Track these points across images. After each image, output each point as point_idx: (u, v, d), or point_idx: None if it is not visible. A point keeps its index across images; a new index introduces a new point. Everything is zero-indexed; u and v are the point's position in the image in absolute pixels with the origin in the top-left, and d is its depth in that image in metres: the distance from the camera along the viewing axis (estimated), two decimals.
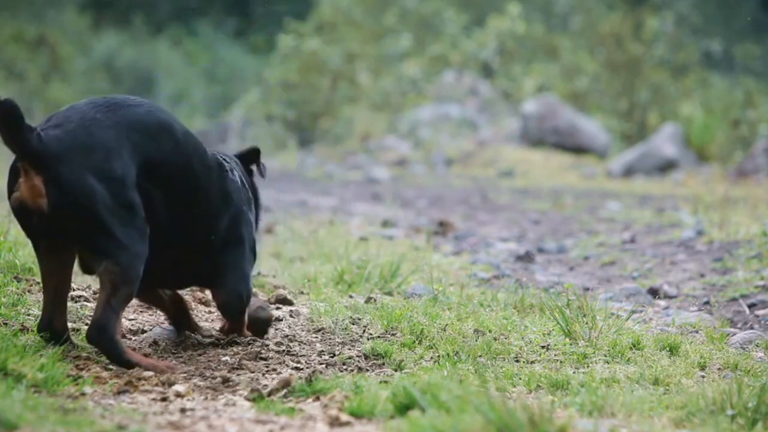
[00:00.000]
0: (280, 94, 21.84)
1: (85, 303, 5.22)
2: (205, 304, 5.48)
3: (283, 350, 4.73)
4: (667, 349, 4.97)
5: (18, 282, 5.33)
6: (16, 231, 6.20)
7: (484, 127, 20.50)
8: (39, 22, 26.22)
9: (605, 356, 4.80)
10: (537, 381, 4.35)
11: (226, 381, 4.22)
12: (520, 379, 4.40)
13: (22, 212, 4.13)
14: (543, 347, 4.92)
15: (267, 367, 4.48)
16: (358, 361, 4.61)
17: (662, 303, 6.56)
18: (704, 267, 7.50)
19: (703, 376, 4.61)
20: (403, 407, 3.80)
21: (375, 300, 5.67)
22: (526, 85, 21.93)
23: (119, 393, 4.02)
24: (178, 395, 4.03)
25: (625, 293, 6.58)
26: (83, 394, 3.96)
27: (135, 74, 26.64)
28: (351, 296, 5.85)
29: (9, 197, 4.15)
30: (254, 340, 4.82)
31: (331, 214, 10.83)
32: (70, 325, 4.58)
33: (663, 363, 4.69)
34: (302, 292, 6.01)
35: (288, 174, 16.32)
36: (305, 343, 4.87)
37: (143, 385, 4.11)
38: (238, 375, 4.30)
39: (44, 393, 3.89)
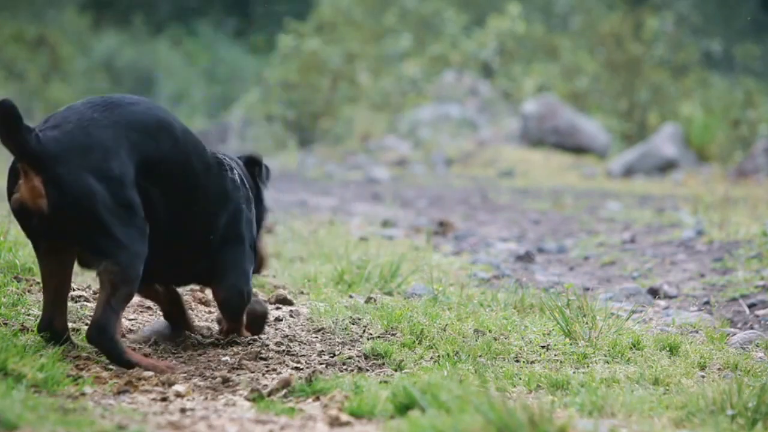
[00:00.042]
0: (280, 94, 21.84)
1: (85, 303, 5.22)
2: (205, 304, 5.48)
3: (283, 350, 4.73)
4: (667, 349, 4.97)
5: (18, 282, 5.33)
6: (16, 231, 6.20)
7: (484, 127, 20.49)
8: (39, 22, 26.21)
9: (605, 356, 4.80)
10: (537, 381, 4.35)
11: (226, 381, 4.22)
12: (520, 379, 4.40)
13: (22, 213, 4.14)
14: (543, 347, 4.92)
15: (267, 367, 4.48)
16: (358, 361, 4.61)
17: (662, 303, 6.56)
18: (704, 267, 7.50)
19: (703, 376, 4.61)
20: (403, 407, 3.80)
21: (375, 300, 5.67)
22: (526, 85, 21.93)
23: (119, 393, 4.02)
24: (178, 395, 4.03)
25: (625, 293, 6.58)
26: (83, 394, 3.96)
27: (135, 74, 26.64)
28: (351, 296, 5.85)
29: (9, 198, 4.16)
30: (254, 340, 4.82)
31: (331, 214, 10.82)
32: (70, 325, 4.58)
33: (663, 363, 4.69)
34: (302, 292, 6.01)
35: (288, 174, 16.32)
36: (305, 343, 4.87)
37: (143, 385, 4.11)
38: (238, 375, 4.30)
39: (44, 393, 3.89)
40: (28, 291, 5.23)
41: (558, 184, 15.38)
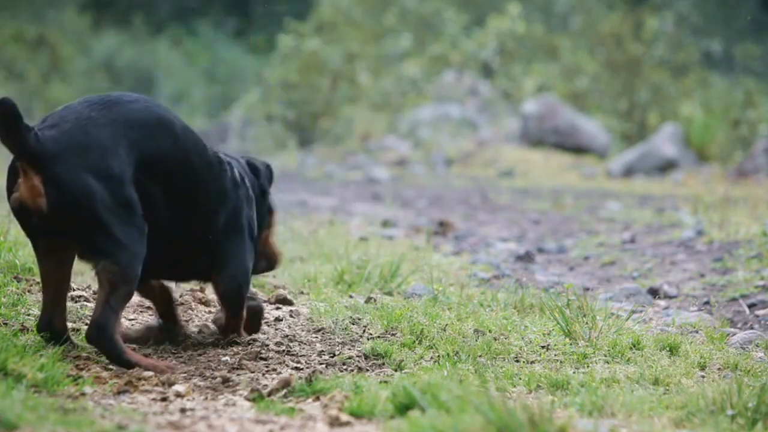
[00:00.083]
0: (280, 94, 21.83)
1: (85, 303, 5.22)
2: (205, 304, 5.48)
3: (283, 350, 4.73)
4: (667, 349, 4.97)
5: (18, 282, 5.34)
6: (16, 231, 6.20)
7: (484, 127, 20.49)
8: (39, 22, 26.21)
9: (605, 356, 4.80)
10: (537, 381, 4.35)
11: (226, 381, 4.22)
12: (520, 379, 4.40)
13: (21, 212, 4.14)
14: (543, 347, 4.92)
15: (267, 367, 4.48)
16: (358, 361, 4.61)
17: (662, 303, 6.56)
18: (704, 267, 7.50)
19: (703, 376, 4.61)
20: (403, 407, 3.80)
21: (375, 300, 5.67)
22: (526, 85, 21.93)
23: (119, 393, 4.02)
24: (178, 395, 4.03)
25: (625, 293, 6.58)
26: (83, 394, 3.96)
27: (135, 74, 26.63)
28: (351, 296, 5.85)
29: (8, 197, 4.16)
30: (254, 340, 4.82)
31: (331, 214, 10.82)
32: (69, 325, 4.58)
33: (663, 363, 4.69)
34: (302, 292, 6.01)
35: (288, 174, 16.32)
36: (305, 343, 4.87)
37: (143, 385, 4.11)
38: (238, 375, 4.30)
39: (44, 393, 3.89)
40: (28, 291, 5.23)
41: (558, 184, 15.38)
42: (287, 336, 4.96)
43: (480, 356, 4.70)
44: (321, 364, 4.57)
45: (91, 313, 4.91)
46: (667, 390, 4.30)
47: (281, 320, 5.25)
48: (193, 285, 5.52)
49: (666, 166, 16.93)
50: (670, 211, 11.00)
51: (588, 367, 4.64)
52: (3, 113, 4.01)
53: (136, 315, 5.12)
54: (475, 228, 10.24)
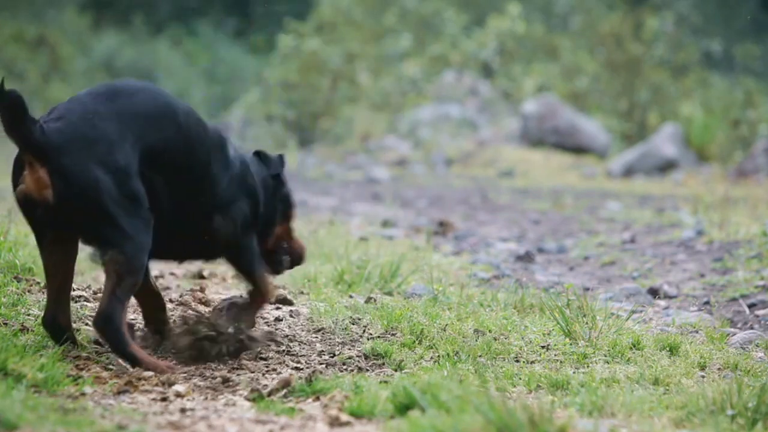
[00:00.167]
0: (280, 94, 21.83)
1: (85, 303, 5.22)
2: (205, 303, 5.49)
3: (283, 350, 4.73)
4: (667, 349, 4.97)
5: (18, 282, 5.34)
6: (16, 231, 6.20)
7: (484, 127, 20.50)
8: (39, 22, 26.21)
9: (605, 356, 4.80)
10: (537, 381, 4.35)
11: (226, 381, 4.22)
12: (520, 379, 4.40)
13: (27, 204, 4.15)
14: (543, 347, 4.92)
15: (267, 367, 4.48)
16: (358, 361, 4.61)
17: (662, 303, 6.56)
18: (704, 267, 7.50)
19: (703, 376, 4.61)
20: (403, 407, 3.80)
21: (375, 300, 5.67)
22: (526, 85, 21.93)
23: (119, 393, 4.03)
24: (178, 395, 4.03)
25: (625, 293, 6.58)
26: (83, 394, 3.96)
27: (135, 74, 26.60)
28: (351, 296, 5.85)
29: (14, 190, 4.17)
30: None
31: (331, 214, 10.82)
32: None
33: (663, 363, 4.69)
34: (302, 292, 6.01)
35: (288, 174, 16.30)
36: (305, 343, 4.87)
37: (143, 385, 4.11)
38: (238, 375, 4.30)
39: (44, 393, 3.89)
40: (28, 291, 5.23)
41: (558, 184, 15.38)
42: (287, 336, 4.96)
43: (480, 356, 4.70)
44: (321, 364, 4.57)
45: (92, 314, 4.93)
46: (667, 390, 4.30)
47: (281, 320, 5.25)
48: (191, 285, 5.52)
49: (666, 166, 16.94)
50: (670, 211, 11.00)
51: (588, 367, 4.64)
52: (8, 105, 4.03)
53: (137, 315, 5.12)
54: (475, 228, 10.24)
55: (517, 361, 4.72)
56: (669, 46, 21.55)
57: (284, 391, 4.08)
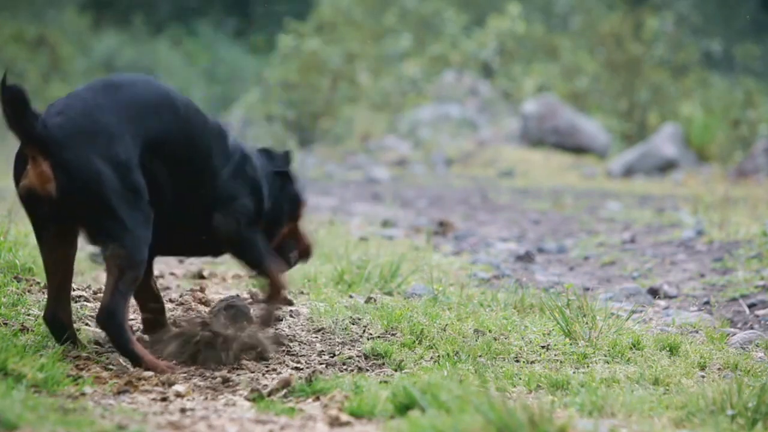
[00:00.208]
0: (280, 94, 21.83)
1: (85, 303, 5.22)
2: (205, 303, 5.49)
3: (283, 350, 4.73)
4: (667, 349, 4.97)
5: (18, 282, 5.34)
6: (16, 231, 6.20)
7: (484, 127, 20.50)
8: (39, 22, 26.21)
9: (605, 356, 4.80)
10: (537, 381, 4.35)
11: (226, 381, 4.22)
12: (520, 379, 4.40)
13: (30, 199, 4.16)
14: (543, 347, 4.92)
15: (267, 367, 4.48)
16: (358, 361, 4.61)
17: (662, 303, 6.56)
18: (704, 267, 7.50)
19: (703, 376, 4.61)
20: (403, 407, 3.80)
21: (375, 300, 5.67)
22: (526, 85, 21.93)
23: (119, 393, 4.03)
24: (178, 395, 4.03)
25: (625, 293, 6.58)
26: (83, 394, 3.96)
27: None
28: (351, 296, 5.85)
29: (16, 185, 4.17)
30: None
31: (331, 214, 10.82)
32: None
33: (663, 363, 4.69)
34: (302, 292, 6.01)
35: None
36: (305, 343, 4.87)
37: (143, 385, 4.11)
38: (238, 375, 4.30)
39: (44, 393, 3.89)
40: (28, 291, 5.23)
41: (558, 184, 15.39)
42: (287, 336, 4.96)
43: (480, 356, 4.70)
44: (321, 364, 4.57)
45: (92, 314, 4.93)
46: (667, 390, 4.30)
47: (281, 320, 5.25)
48: (195, 278, 5.52)
49: (666, 166, 16.94)
50: (670, 211, 11.00)
51: (588, 367, 4.64)
52: (11, 99, 4.03)
53: (137, 315, 5.12)
54: (475, 228, 10.25)
55: (517, 361, 4.72)
56: (669, 46, 21.55)
57: (284, 391, 4.08)
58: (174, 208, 4.39)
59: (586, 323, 5.08)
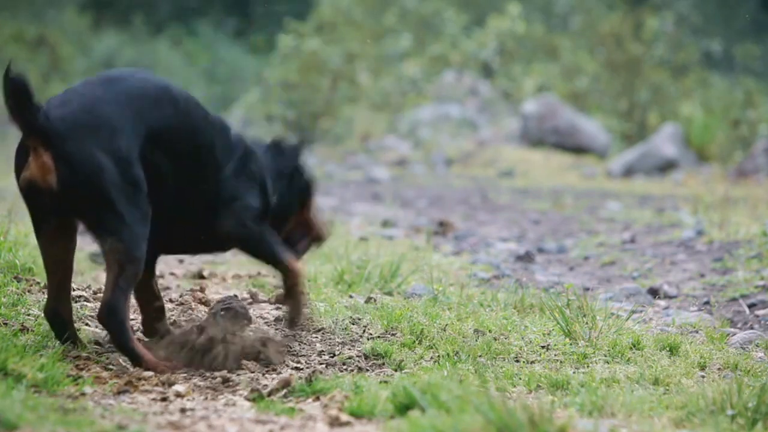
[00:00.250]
0: (280, 94, 21.82)
1: (85, 303, 5.22)
2: (205, 303, 5.48)
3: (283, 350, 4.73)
4: (667, 349, 4.97)
5: (18, 282, 5.34)
6: (16, 231, 6.20)
7: (484, 127, 20.50)
8: (39, 22, 26.22)
9: (605, 356, 4.80)
10: (537, 381, 4.35)
11: (226, 381, 4.22)
12: (520, 379, 4.40)
13: (31, 191, 4.16)
14: (543, 347, 4.93)
15: (267, 367, 4.48)
16: (358, 361, 4.61)
17: (662, 303, 6.56)
18: (704, 267, 7.50)
19: (703, 376, 4.61)
20: (403, 407, 3.80)
21: (375, 300, 5.67)
22: (526, 85, 21.93)
23: (119, 393, 4.03)
24: (178, 395, 4.03)
25: (625, 293, 6.58)
26: (83, 394, 3.96)
27: None
28: (351, 296, 5.85)
29: (18, 177, 4.17)
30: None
31: (331, 214, 10.82)
32: None
33: (663, 363, 4.69)
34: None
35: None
36: (305, 343, 4.87)
37: (143, 385, 4.11)
38: (238, 375, 4.30)
39: (44, 393, 3.89)
40: (28, 291, 5.23)
41: (558, 184, 15.38)
42: (287, 336, 4.95)
43: (480, 356, 4.70)
44: (321, 364, 4.57)
45: (92, 314, 4.93)
46: (667, 390, 4.31)
47: (281, 320, 5.25)
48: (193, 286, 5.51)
49: (666, 166, 16.93)
50: (670, 211, 11.00)
51: (588, 367, 4.64)
52: (14, 90, 4.03)
53: (137, 315, 5.12)
54: (475, 228, 10.24)
55: (517, 361, 4.72)
56: (669, 46, 21.55)
57: (284, 391, 4.08)
58: (175, 203, 4.40)
59: (586, 323, 5.08)
